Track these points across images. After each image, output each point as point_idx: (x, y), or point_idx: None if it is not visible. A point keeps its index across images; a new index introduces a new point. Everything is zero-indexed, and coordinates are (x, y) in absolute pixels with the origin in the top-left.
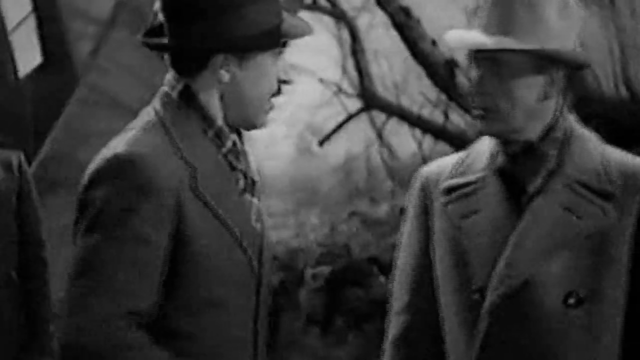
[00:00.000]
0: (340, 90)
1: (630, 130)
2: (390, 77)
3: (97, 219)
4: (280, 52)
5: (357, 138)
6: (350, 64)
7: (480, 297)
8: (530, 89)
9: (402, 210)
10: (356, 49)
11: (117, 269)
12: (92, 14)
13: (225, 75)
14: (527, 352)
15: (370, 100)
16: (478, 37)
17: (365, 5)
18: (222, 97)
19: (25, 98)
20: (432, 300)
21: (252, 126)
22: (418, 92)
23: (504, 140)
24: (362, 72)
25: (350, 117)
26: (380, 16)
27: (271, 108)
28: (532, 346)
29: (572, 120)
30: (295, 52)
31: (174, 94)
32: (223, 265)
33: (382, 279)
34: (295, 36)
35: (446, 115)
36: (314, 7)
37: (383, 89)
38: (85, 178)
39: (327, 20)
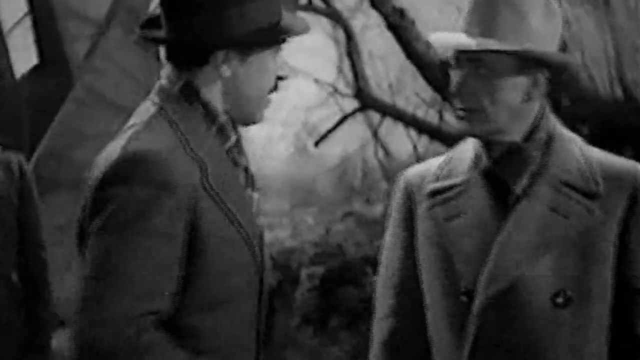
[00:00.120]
0: (335, 90)
1: (625, 130)
2: (386, 77)
3: (115, 217)
4: (280, 49)
5: (353, 138)
6: (346, 65)
7: (468, 299)
8: (514, 90)
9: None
10: (351, 50)
11: (136, 267)
12: (88, 15)
13: (226, 71)
14: (517, 352)
15: (365, 101)
16: (462, 38)
17: (359, 7)
18: (223, 93)
19: (21, 99)
20: (418, 303)
21: (251, 122)
22: (413, 93)
23: (487, 142)
24: (357, 72)
25: (345, 118)
26: (375, 17)
27: (269, 104)
28: (522, 346)
29: (554, 121)
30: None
31: (175, 89)
32: (233, 262)
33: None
34: (295, 33)
35: (441, 116)
36: (309, 7)
37: (378, 90)
38: (98, 176)
39: (323, 20)
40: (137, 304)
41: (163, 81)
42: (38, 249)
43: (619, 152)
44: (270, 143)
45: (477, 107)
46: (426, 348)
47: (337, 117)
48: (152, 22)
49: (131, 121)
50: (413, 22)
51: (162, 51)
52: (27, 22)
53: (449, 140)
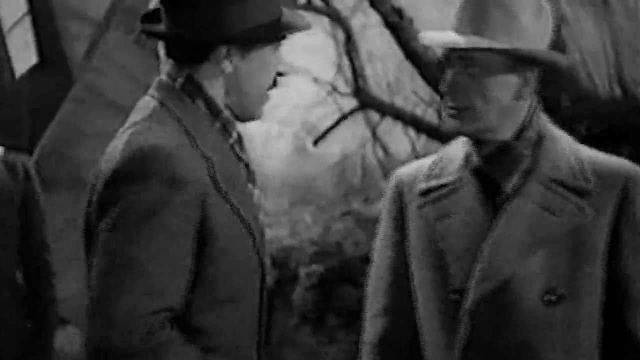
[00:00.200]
0: (335, 89)
1: (623, 129)
2: (385, 76)
3: (127, 214)
4: (279, 45)
5: (352, 137)
6: (345, 64)
7: (459, 297)
8: (504, 89)
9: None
10: (351, 49)
11: (149, 265)
12: (87, 15)
13: (228, 67)
14: (508, 350)
15: (364, 100)
16: (452, 37)
17: (359, 6)
18: (224, 89)
19: (21, 98)
20: (409, 303)
21: (250, 118)
22: (412, 92)
23: (478, 141)
24: (356, 71)
25: (344, 117)
26: (375, 17)
27: (268, 100)
28: (514, 344)
29: (544, 120)
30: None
31: (177, 85)
32: (240, 259)
33: None
34: (295, 29)
35: (440, 115)
36: (309, 6)
37: (377, 89)
38: (107, 174)
39: (322, 20)
40: (151, 302)
41: (163, 77)
42: (42, 251)
43: (617, 151)
44: (269, 142)
45: (468, 106)
46: (417, 347)
47: (336, 116)
48: (152, 17)
49: (132, 117)
50: (411, 21)
51: (162, 50)
52: (27, 22)
53: (448, 139)
